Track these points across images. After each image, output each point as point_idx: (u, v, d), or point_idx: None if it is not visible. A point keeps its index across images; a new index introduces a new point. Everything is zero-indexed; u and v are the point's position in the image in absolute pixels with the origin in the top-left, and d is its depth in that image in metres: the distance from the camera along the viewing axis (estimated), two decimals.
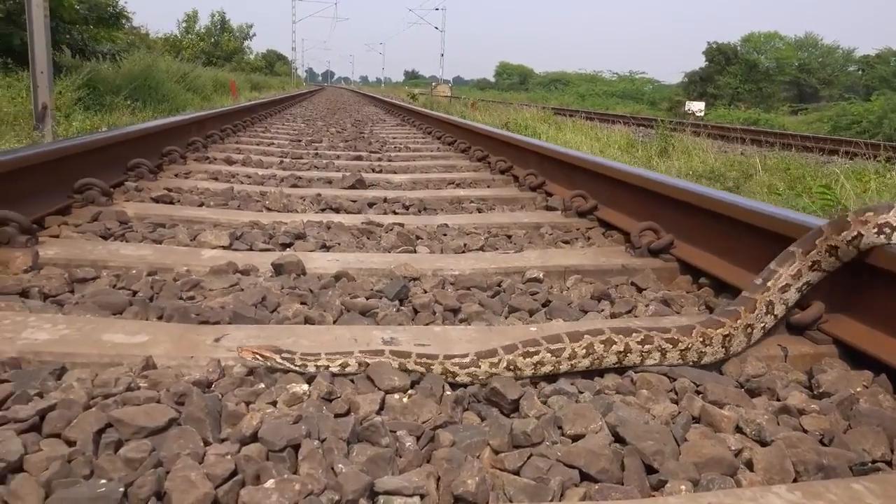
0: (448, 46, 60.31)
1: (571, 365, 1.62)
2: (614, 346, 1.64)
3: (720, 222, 2.46)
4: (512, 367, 1.57)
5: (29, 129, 8.99)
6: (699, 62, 73.74)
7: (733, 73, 54.94)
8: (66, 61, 13.96)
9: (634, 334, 1.65)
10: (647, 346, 1.65)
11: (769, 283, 1.81)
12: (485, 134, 6.44)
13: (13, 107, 10.30)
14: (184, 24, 49.89)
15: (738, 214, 2.36)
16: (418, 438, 1.33)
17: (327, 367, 1.58)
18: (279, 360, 1.57)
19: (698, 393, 1.56)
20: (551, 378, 1.62)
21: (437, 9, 63.81)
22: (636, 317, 2.13)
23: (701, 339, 1.69)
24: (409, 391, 1.52)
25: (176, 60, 23.52)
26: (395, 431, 1.33)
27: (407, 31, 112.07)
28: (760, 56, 57.71)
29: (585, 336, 1.63)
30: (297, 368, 1.57)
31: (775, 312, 1.82)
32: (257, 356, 1.57)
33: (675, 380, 1.61)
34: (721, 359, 1.74)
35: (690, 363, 1.70)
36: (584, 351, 1.61)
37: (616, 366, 1.66)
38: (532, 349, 1.59)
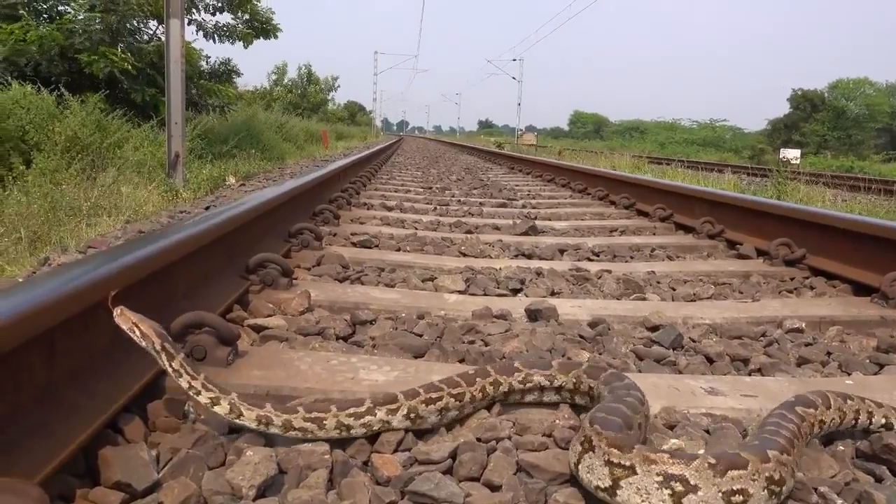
0: (522, 95, 61.04)
1: None
2: None
3: None
4: None
5: (158, 176, 9.45)
6: (781, 109, 72.12)
7: (820, 120, 53.52)
8: None
9: None
10: None
11: None
12: (625, 181, 6.41)
13: (139, 155, 10.79)
14: (273, 77, 52.16)
15: None
16: (839, 494, 1.27)
17: None
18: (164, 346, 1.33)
19: None
20: None
21: (514, 59, 64.88)
22: None
23: None
24: None
25: (269, 112, 24.58)
26: (816, 488, 1.27)
27: (483, 81, 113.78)
28: (849, 103, 56.08)
29: None
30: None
31: None
32: (134, 328, 1.33)
33: None
34: None
35: None
36: None
37: None
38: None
